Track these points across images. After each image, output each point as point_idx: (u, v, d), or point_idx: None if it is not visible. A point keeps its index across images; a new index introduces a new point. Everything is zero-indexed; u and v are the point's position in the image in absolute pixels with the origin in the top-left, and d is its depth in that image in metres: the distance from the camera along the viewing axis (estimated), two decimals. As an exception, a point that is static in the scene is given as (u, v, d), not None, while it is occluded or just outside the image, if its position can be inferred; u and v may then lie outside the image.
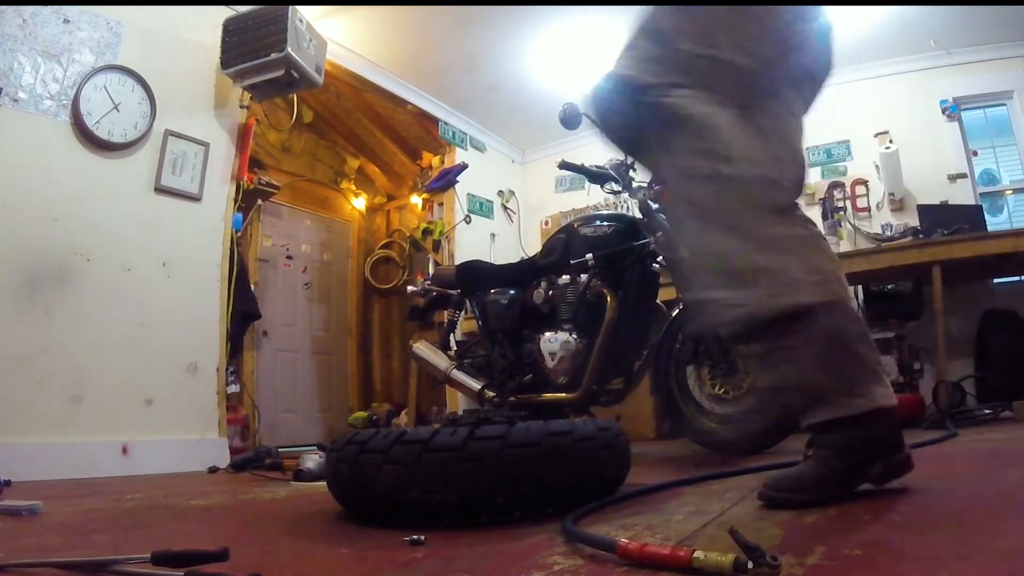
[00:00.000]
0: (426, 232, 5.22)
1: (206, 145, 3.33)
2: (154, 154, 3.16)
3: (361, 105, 5.45)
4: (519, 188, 5.98)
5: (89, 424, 2.77)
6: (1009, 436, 2.26)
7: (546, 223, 5.82)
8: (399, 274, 5.86)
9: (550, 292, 2.72)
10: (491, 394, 2.77)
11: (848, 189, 4.77)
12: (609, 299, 2.53)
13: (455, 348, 3.23)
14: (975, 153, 4.56)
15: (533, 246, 5.15)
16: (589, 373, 2.51)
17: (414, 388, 4.74)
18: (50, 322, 2.73)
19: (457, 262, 4.04)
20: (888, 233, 4.32)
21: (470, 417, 1.29)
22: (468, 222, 5.22)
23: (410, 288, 3.30)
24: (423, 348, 3.12)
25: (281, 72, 3.25)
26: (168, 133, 3.19)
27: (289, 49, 3.17)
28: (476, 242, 5.23)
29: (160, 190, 3.15)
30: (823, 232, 4.24)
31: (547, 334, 2.64)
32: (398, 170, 6.10)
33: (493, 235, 5.49)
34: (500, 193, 5.75)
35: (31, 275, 2.72)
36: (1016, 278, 4.17)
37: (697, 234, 1.19)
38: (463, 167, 5.18)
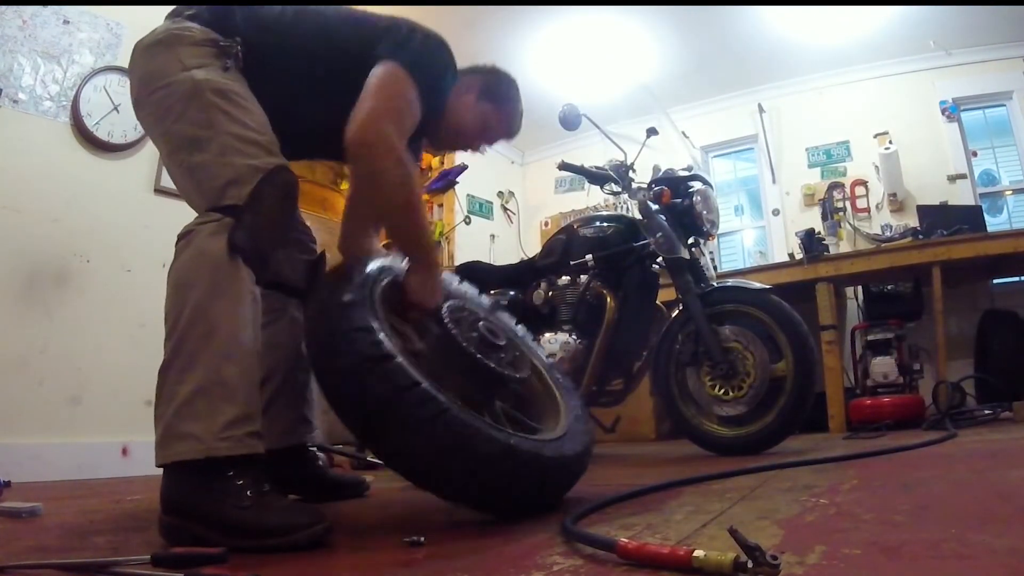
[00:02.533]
0: (426, 233, 5.21)
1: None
2: (154, 155, 3.16)
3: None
4: (519, 189, 5.98)
5: (89, 425, 2.77)
6: (1009, 437, 2.26)
7: (546, 224, 5.82)
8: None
9: (550, 293, 2.72)
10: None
11: (848, 190, 4.78)
12: (609, 300, 2.53)
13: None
14: (975, 154, 4.56)
15: (533, 247, 5.14)
16: (589, 374, 2.51)
17: (414, 389, 4.73)
18: (50, 323, 2.74)
19: (457, 263, 4.04)
20: (888, 234, 4.32)
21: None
22: (468, 223, 5.22)
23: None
24: (423, 349, 3.12)
25: (281, 73, 3.25)
26: (168, 134, 3.19)
27: (289, 50, 3.18)
28: (476, 243, 5.23)
29: (160, 191, 3.15)
30: (822, 232, 4.28)
31: (547, 335, 2.63)
32: (398, 171, 6.09)
33: (493, 236, 5.49)
34: (500, 194, 5.75)
35: (31, 276, 2.72)
36: (1016, 278, 4.17)
37: None
38: (463, 168, 5.18)
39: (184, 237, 1.15)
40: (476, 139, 1.66)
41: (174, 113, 1.23)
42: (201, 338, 1.06)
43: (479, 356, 1.27)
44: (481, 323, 1.36)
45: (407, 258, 1.37)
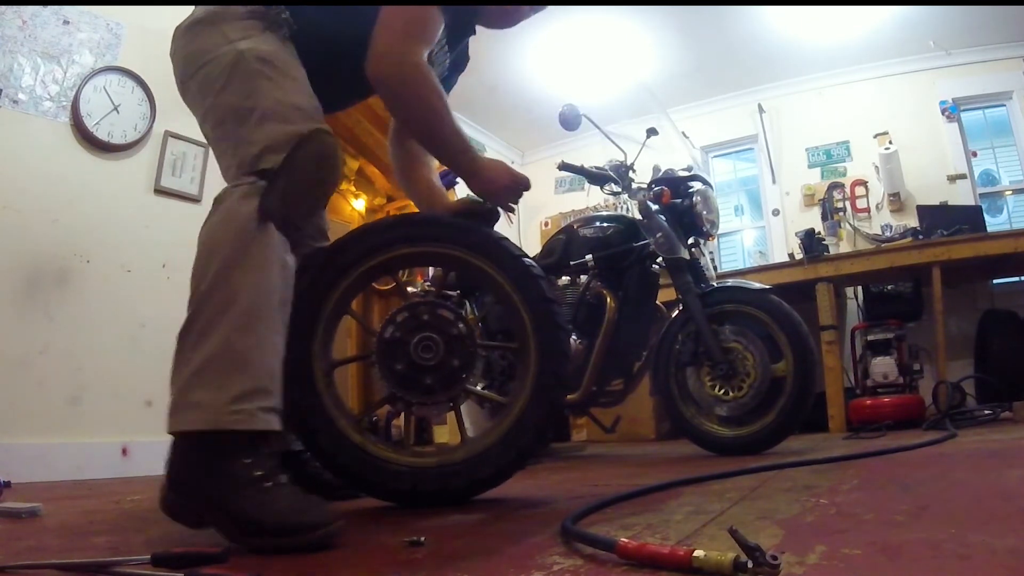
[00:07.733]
0: (426, 233, 5.20)
1: (206, 146, 3.32)
2: (154, 155, 3.16)
3: (360, 106, 5.43)
4: (519, 189, 5.97)
5: (89, 425, 2.77)
6: (1009, 437, 2.26)
7: (546, 224, 5.82)
8: (399, 275, 5.85)
9: (550, 293, 2.72)
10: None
11: (848, 190, 4.78)
12: (609, 300, 2.53)
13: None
14: (974, 154, 4.57)
15: (533, 247, 5.14)
16: (589, 374, 2.51)
17: (414, 389, 4.73)
18: (50, 323, 2.73)
19: (457, 263, 4.03)
20: (888, 234, 4.33)
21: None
22: (468, 223, 5.21)
23: (410, 289, 3.29)
24: (423, 349, 3.12)
25: (280, 73, 3.25)
26: (168, 134, 3.19)
27: (289, 50, 3.18)
28: (476, 243, 5.22)
29: (160, 191, 3.15)
30: (822, 232, 4.28)
31: (547, 335, 2.63)
32: (398, 171, 6.10)
33: (493, 236, 5.49)
34: (500, 194, 5.74)
35: (31, 276, 2.72)
36: (1016, 278, 4.18)
37: None
38: (463, 168, 5.18)
39: (217, 200, 1.12)
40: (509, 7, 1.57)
41: (218, 85, 1.19)
42: (220, 305, 1.02)
43: (392, 386, 1.36)
44: (416, 339, 1.36)
45: (457, 173, 1.43)
